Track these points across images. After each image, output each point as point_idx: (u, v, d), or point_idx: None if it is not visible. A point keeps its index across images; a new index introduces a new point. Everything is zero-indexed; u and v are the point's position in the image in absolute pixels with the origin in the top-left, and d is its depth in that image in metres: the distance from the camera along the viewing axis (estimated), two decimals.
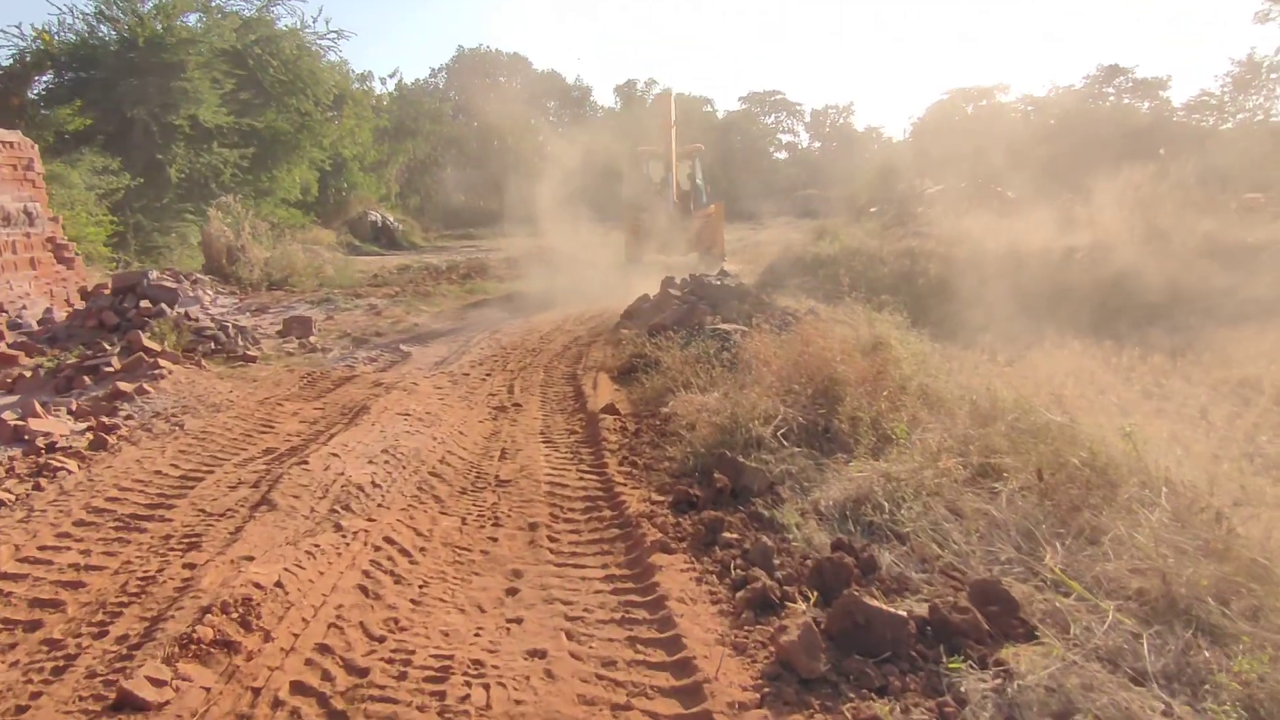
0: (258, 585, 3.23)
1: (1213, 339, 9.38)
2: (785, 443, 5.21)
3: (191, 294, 14.40)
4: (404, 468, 4.98)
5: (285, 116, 23.05)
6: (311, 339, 10.47)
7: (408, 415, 6.25)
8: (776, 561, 3.77)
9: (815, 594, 3.39)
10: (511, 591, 3.54)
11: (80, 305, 10.50)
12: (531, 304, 14.07)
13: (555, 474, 5.06)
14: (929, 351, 7.90)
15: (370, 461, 4.98)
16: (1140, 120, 35.05)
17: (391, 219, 30.62)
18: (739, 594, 3.45)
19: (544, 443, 5.84)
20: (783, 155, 55.13)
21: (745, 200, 44.24)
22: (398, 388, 7.38)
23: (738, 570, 3.68)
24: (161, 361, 7.18)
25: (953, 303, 11.30)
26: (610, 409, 6.36)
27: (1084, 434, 4.84)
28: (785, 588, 3.50)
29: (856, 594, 3.10)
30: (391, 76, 62.33)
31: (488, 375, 8.33)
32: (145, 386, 6.69)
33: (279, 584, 3.30)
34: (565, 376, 8.25)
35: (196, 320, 9.04)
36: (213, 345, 8.59)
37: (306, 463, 4.82)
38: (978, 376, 7.05)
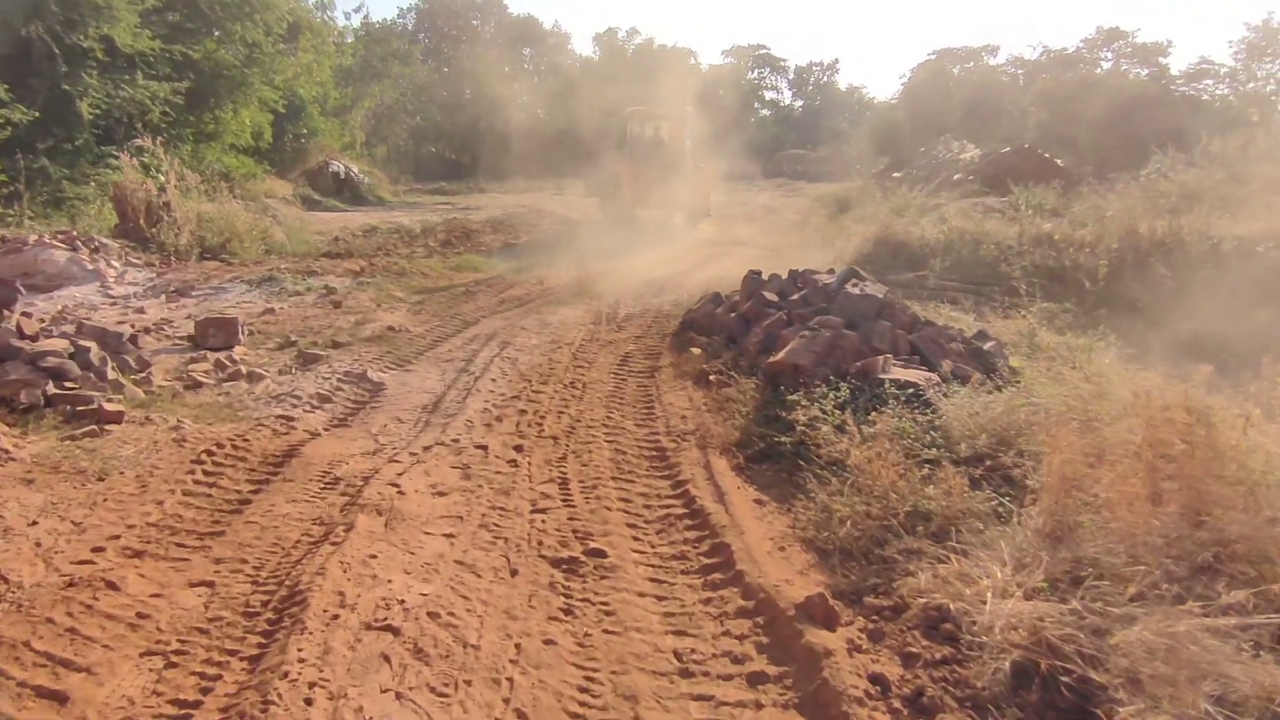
0: None
1: None
2: None
3: (89, 267, 10.32)
4: None
5: (229, 47, 18.41)
6: (235, 353, 6.71)
7: (387, 656, 2.67)
8: None
9: None
10: None
11: None
12: (540, 288, 10.38)
13: None
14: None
15: None
16: (1142, 88, 31.99)
17: (356, 170, 26.09)
18: None
19: None
20: (766, 113, 50.68)
21: (730, 159, 40.30)
22: (367, 502, 3.76)
23: None
24: None
25: (1124, 309, 7.98)
26: (820, 609, 2.86)
27: None
28: None
29: None
30: (357, 11, 56.43)
31: (517, 451, 4.73)
32: None
33: None
34: (649, 454, 4.70)
35: (33, 340, 5.21)
36: (49, 389, 4.79)
37: None
38: None
